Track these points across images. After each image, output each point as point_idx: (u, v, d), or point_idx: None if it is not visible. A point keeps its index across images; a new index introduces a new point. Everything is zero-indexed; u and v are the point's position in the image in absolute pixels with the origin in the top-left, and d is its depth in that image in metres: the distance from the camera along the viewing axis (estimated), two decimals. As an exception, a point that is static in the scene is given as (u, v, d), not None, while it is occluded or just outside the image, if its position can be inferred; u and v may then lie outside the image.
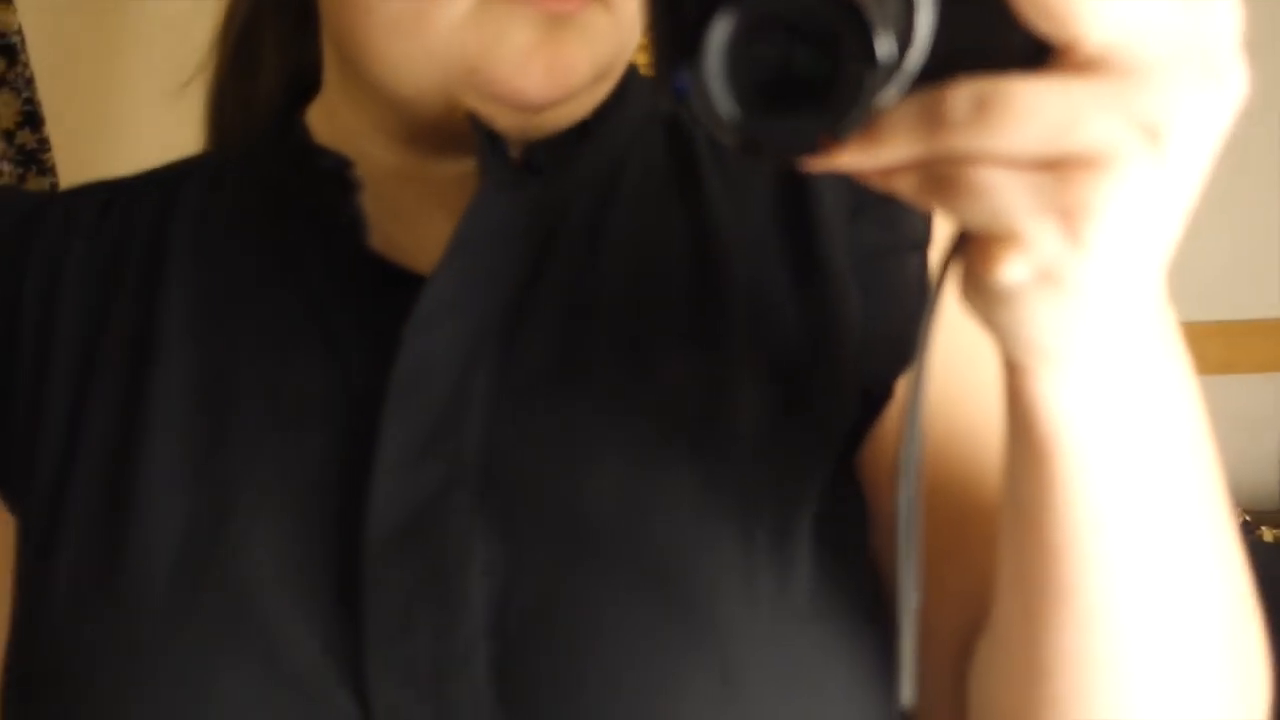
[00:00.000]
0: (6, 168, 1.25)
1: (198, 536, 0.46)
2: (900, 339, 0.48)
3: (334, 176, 0.52)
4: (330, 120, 0.56)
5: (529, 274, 0.50)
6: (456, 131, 0.50)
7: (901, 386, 0.48)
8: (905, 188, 0.32)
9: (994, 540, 0.43)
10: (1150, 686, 0.41)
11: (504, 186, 0.49)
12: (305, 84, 0.59)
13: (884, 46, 0.30)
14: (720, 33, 0.31)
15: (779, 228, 0.51)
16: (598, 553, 0.44)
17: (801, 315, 0.49)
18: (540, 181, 0.51)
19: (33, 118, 1.27)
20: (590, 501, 0.45)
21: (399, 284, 0.50)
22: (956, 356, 0.46)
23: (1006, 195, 0.31)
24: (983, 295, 0.33)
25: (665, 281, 0.50)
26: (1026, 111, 0.30)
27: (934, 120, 0.31)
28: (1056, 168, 0.30)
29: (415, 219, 0.53)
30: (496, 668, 0.43)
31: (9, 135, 1.28)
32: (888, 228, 0.50)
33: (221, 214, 0.55)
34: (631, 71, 0.54)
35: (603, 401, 0.47)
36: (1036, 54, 0.31)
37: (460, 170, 0.53)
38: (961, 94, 0.30)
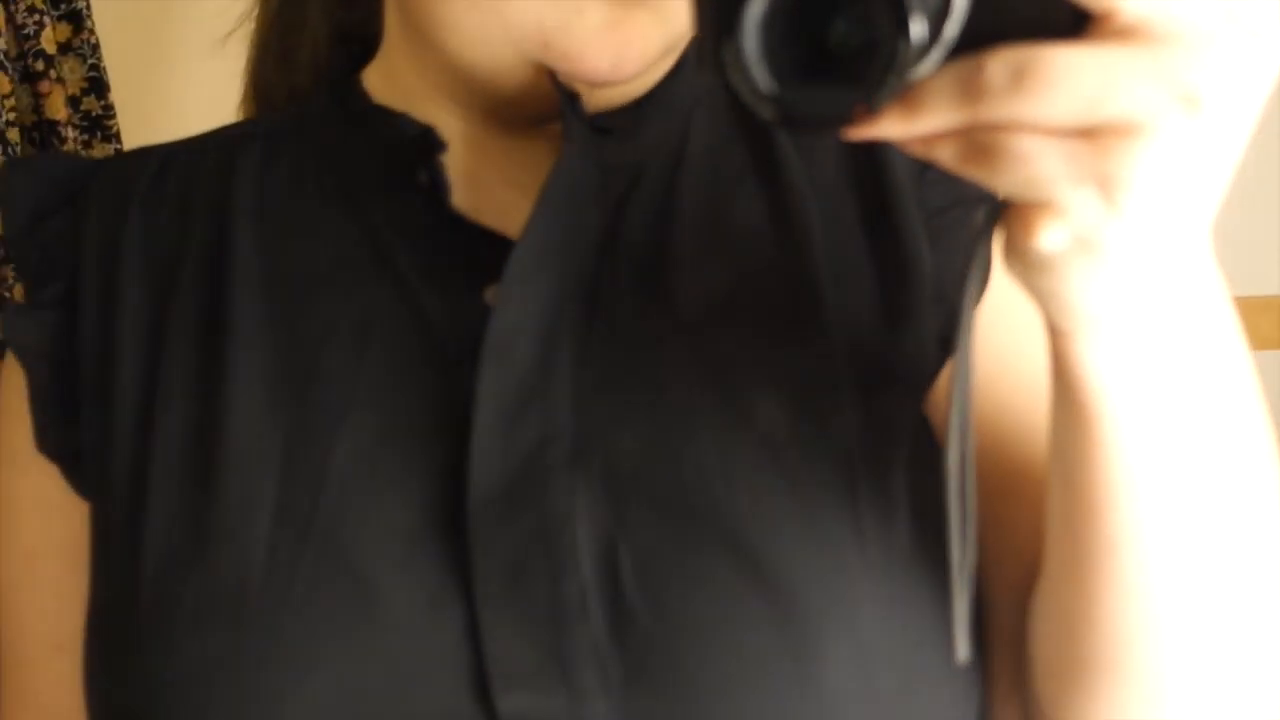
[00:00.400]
0: (71, 134, 1.27)
1: (294, 495, 0.46)
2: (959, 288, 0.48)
3: (414, 139, 0.52)
4: (390, 83, 0.56)
5: (604, 239, 0.50)
6: (524, 100, 0.51)
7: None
8: (945, 156, 0.33)
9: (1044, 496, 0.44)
10: (1188, 641, 0.41)
11: (582, 150, 0.50)
12: (349, 43, 0.59)
13: (917, 19, 0.31)
14: (757, 8, 0.32)
15: (852, 188, 0.51)
16: (695, 507, 0.45)
17: (878, 270, 0.50)
18: (612, 146, 0.52)
19: (98, 84, 1.30)
20: (684, 458, 0.46)
21: (473, 244, 0.50)
22: (1007, 317, 0.46)
23: (1044, 163, 0.31)
24: (1023, 261, 0.34)
25: (742, 244, 0.51)
26: (1064, 80, 0.30)
27: (972, 89, 0.31)
28: (1094, 135, 0.31)
29: (478, 182, 0.54)
30: (610, 617, 0.43)
31: (75, 101, 1.30)
32: (952, 183, 0.50)
33: (285, 178, 0.55)
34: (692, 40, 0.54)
35: (687, 363, 0.48)
36: (1074, 23, 0.31)
37: (525, 137, 0.53)
38: (999, 62, 0.31)
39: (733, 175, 0.52)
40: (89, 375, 0.52)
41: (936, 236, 0.50)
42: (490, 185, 0.53)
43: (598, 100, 0.51)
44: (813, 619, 0.43)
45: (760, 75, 0.32)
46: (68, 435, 0.53)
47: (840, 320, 0.48)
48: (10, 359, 0.56)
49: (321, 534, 0.45)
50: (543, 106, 0.51)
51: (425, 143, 0.51)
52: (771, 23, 0.32)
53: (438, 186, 0.51)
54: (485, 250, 0.49)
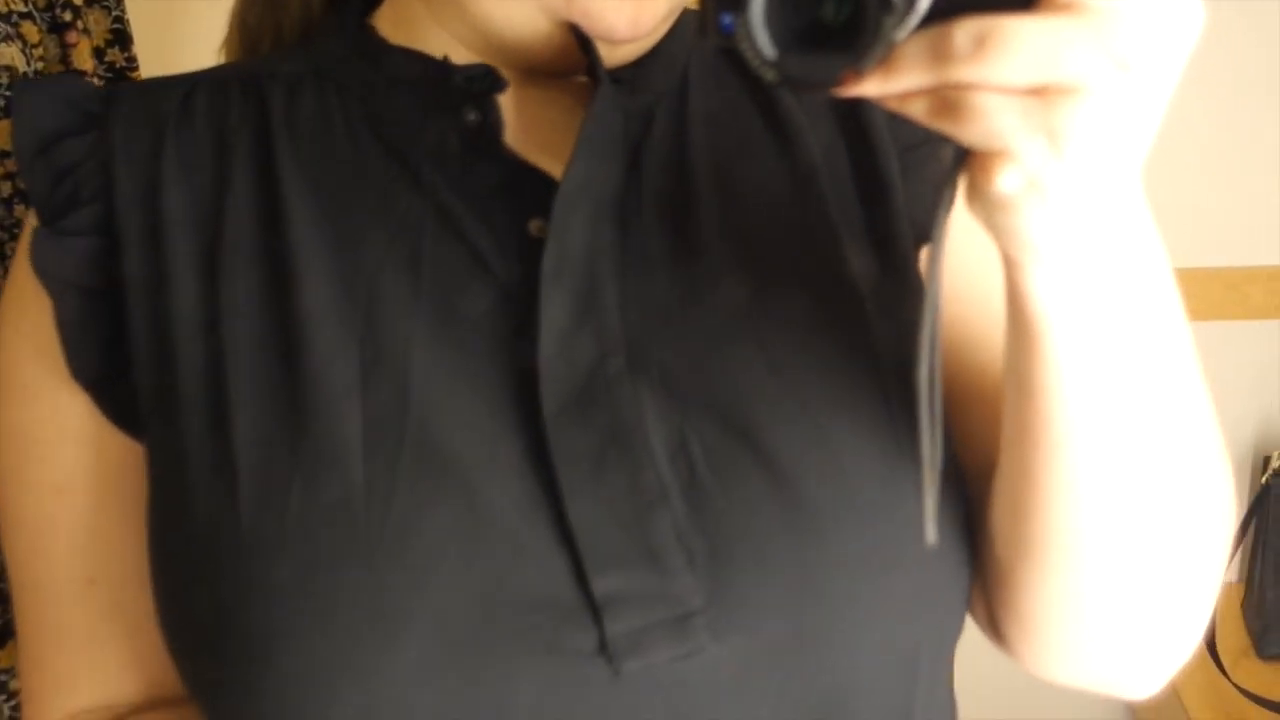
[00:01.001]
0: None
1: (380, 410, 0.48)
2: (928, 219, 0.54)
3: (473, 77, 0.53)
4: (405, 29, 0.57)
5: (628, 177, 0.54)
6: (542, 54, 0.54)
7: (921, 261, 0.55)
8: (917, 110, 0.38)
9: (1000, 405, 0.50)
10: (1114, 528, 0.48)
11: (610, 96, 0.53)
12: None
13: None
14: None
15: (839, 127, 0.57)
16: (751, 402, 0.50)
17: (861, 198, 0.55)
18: (625, 94, 0.56)
19: (122, 36, 1.33)
20: (729, 362, 0.50)
21: (514, 180, 0.53)
22: (968, 247, 0.52)
23: (1001, 117, 0.36)
24: (983, 202, 0.39)
25: (754, 178, 0.55)
26: (1018, 46, 0.35)
27: (940, 54, 0.36)
28: (1043, 94, 0.36)
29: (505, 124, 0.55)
30: (688, 501, 0.48)
31: (99, 53, 1.33)
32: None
33: (314, 114, 0.56)
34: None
35: (715, 282, 0.52)
36: None
37: (537, 87, 0.57)
38: (964, 31, 0.36)
39: (738, 120, 0.57)
40: (139, 301, 0.52)
41: (908, 169, 0.56)
42: (514, 128, 0.56)
43: (608, 57, 0.55)
44: (853, 501, 0.49)
45: (764, 44, 0.38)
46: (101, 362, 0.53)
47: (849, 233, 0.54)
48: (13, 291, 0.56)
49: (414, 444, 0.48)
50: (558, 60, 0.54)
51: (484, 81, 0.53)
52: (774, 1, 0.38)
53: (489, 124, 0.53)
54: (525, 186, 0.52)
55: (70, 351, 0.54)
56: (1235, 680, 1.56)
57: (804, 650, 0.48)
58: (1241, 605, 1.71)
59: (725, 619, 0.47)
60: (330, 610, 0.46)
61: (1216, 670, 1.58)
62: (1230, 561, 1.64)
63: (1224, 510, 0.50)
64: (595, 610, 0.47)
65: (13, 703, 0.65)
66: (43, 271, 0.54)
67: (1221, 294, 1.67)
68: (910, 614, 0.50)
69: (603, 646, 0.47)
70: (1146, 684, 0.55)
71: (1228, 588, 1.68)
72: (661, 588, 0.47)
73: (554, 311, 0.50)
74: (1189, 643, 0.53)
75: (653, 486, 0.48)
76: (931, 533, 0.46)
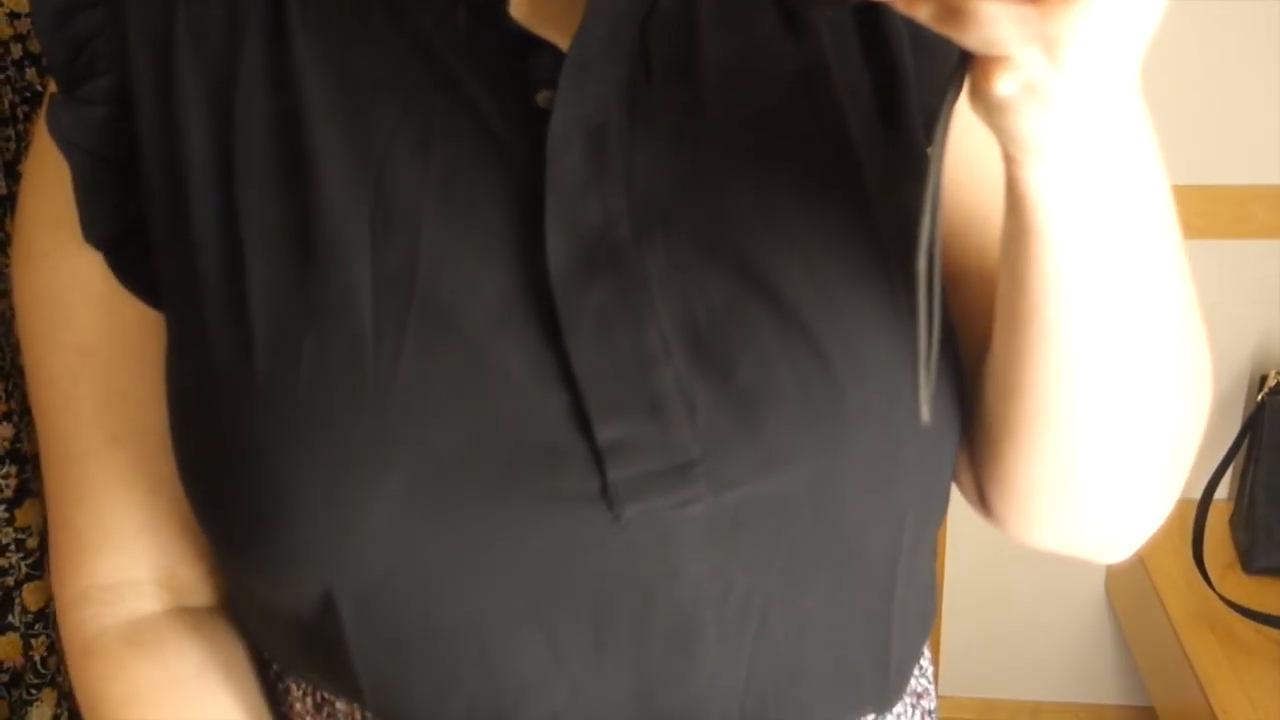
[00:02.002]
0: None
1: (390, 270, 0.50)
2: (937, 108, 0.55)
3: None
4: None
5: (635, 51, 0.54)
6: None
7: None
8: (924, 14, 0.39)
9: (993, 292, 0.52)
10: (1105, 409, 0.50)
11: None
12: None
13: None
14: None
15: (855, 20, 0.57)
16: (757, 270, 0.51)
17: (874, 77, 0.56)
18: None
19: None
20: (734, 228, 0.51)
21: (521, 51, 0.53)
22: (970, 139, 0.53)
23: (999, 25, 0.37)
24: (983, 103, 0.41)
25: (761, 57, 0.56)
26: None
27: None
28: (1040, 3, 0.37)
29: None
30: (690, 357, 0.50)
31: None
32: None
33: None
34: None
35: (727, 152, 0.53)
36: None
37: None
38: None
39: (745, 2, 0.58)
40: (153, 161, 0.53)
41: (919, 46, 0.56)
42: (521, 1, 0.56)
43: None
44: (841, 361, 0.50)
45: None
46: (114, 226, 0.55)
47: (856, 120, 0.55)
48: (36, 159, 0.57)
49: (422, 300, 0.49)
50: None
51: None
52: None
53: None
54: (533, 57, 0.53)
55: (84, 214, 0.55)
56: (1221, 592, 1.60)
57: (800, 506, 0.50)
58: (1230, 521, 1.74)
59: (724, 470, 0.49)
60: (342, 456, 0.48)
61: (1203, 583, 1.62)
62: (1221, 480, 1.67)
63: (1202, 392, 0.53)
64: (598, 457, 0.48)
65: (30, 560, 0.68)
66: (59, 137, 0.55)
67: (1227, 212, 1.67)
68: (900, 480, 0.52)
69: (604, 492, 0.49)
70: (1120, 550, 0.58)
71: (1217, 505, 1.71)
72: (663, 437, 0.49)
73: (560, 179, 0.51)
74: (1162, 514, 0.56)
75: (657, 343, 0.50)
76: (926, 413, 0.48)
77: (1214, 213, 1.67)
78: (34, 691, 0.70)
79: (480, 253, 0.51)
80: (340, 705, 0.57)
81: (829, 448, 0.50)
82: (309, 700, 0.59)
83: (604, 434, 0.49)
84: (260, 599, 0.56)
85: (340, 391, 0.49)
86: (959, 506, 1.96)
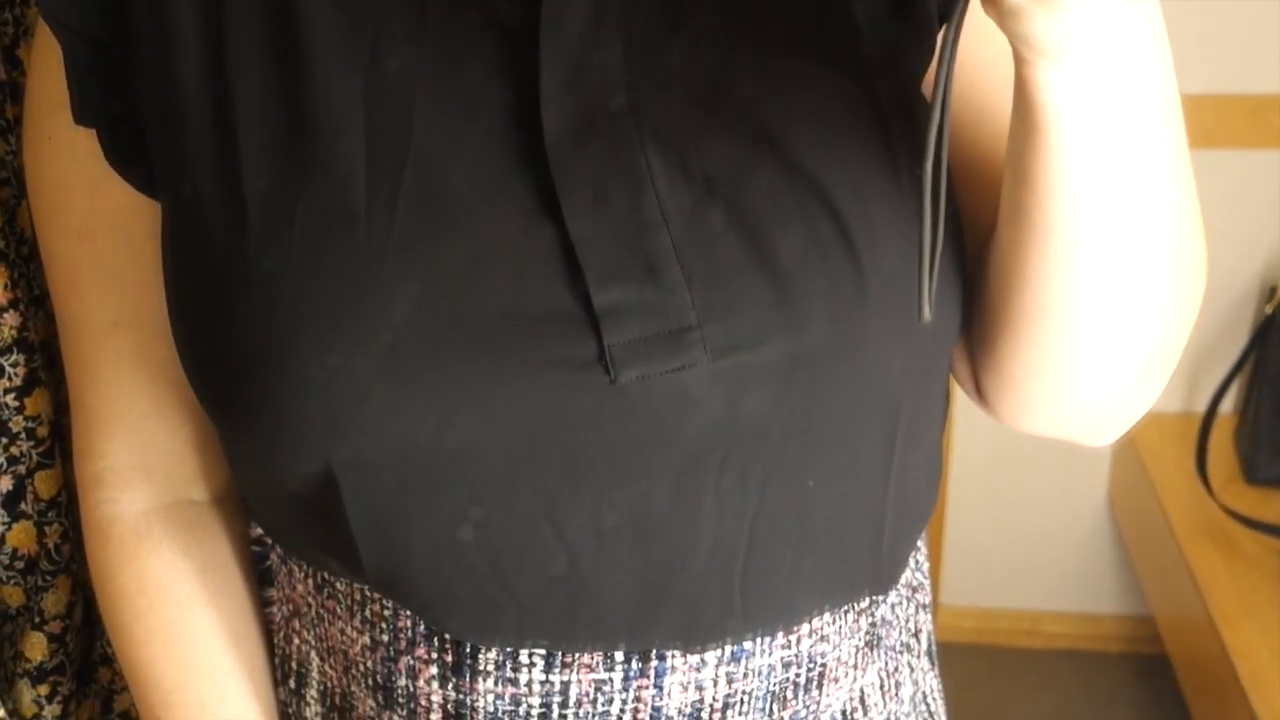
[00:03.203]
0: None
1: (385, 140, 0.49)
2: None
3: None
4: None
5: None
6: None
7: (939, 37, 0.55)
8: None
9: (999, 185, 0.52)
10: (1103, 305, 0.51)
11: None
12: None
13: None
14: None
15: None
16: (756, 141, 0.50)
17: None
18: None
19: None
20: (739, 106, 0.51)
21: None
22: (983, 34, 0.52)
23: None
24: (996, 8, 0.41)
25: None
26: None
27: None
28: None
29: None
30: (687, 221, 0.49)
31: None
32: None
33: None
34: None
35: (730, 22, 0.52)
36: None
37: None
38: None
39: None
40: (145, 47, 0.53)
41: None
42: None
43: None
44: (852, 224, 0.50)
45: None
46: (106, 108, 0.54)
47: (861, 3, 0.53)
48: (39, 45, 0.57)
49: (415, 168, 0.49)
50: None
51: None
52: None
53: None
54: None
55: (75, 96, 0.54)
56: (1223, 503, 1.61)
57: (796, 374, 0.50)
58: (1235, 434, 1.74)
59: (721, 336, 0.49)
60: (334, 324, 0.48)
61: (1205, 494, 1.63)
62: (1226, 393, 1.67)
63: (1195, 285, 0.53)
64: (594, 322, 0.48)
65: (41, 448, 0.68)
66: (50, 18, 0.55)
67: (1244, 121, 1.65)
68: (901, 355, 0.51)
69: (600, 356, 0.49)
70: (1110, 434, 0.59)
71: (1222, 419, 1.71)
72: (660, 301, 0.49)
73: (555, 52, 0.50)
74: (1152, 398, 0.57)
75: (653, 210, 0.49)
76: (928, 313, 0.48)
77: (1229, 122, 1.65)
78: (48, 578, 0.71)
79: (474, 124, 0.50)
80: (340, 585, 0.58)
81: (837, 318, 0.50)
82: (310, 582, 0.60)
83: (601, 298, 0.49)
84: (262, 477, 0.57)
85: (332, 258, 0.49)
86: (962, 421, 1.97)
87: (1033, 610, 2.03)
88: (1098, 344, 0.52)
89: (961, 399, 1.92)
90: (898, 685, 0.64)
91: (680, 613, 0.53)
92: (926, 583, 0.71)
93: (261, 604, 0.67)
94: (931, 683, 0.72)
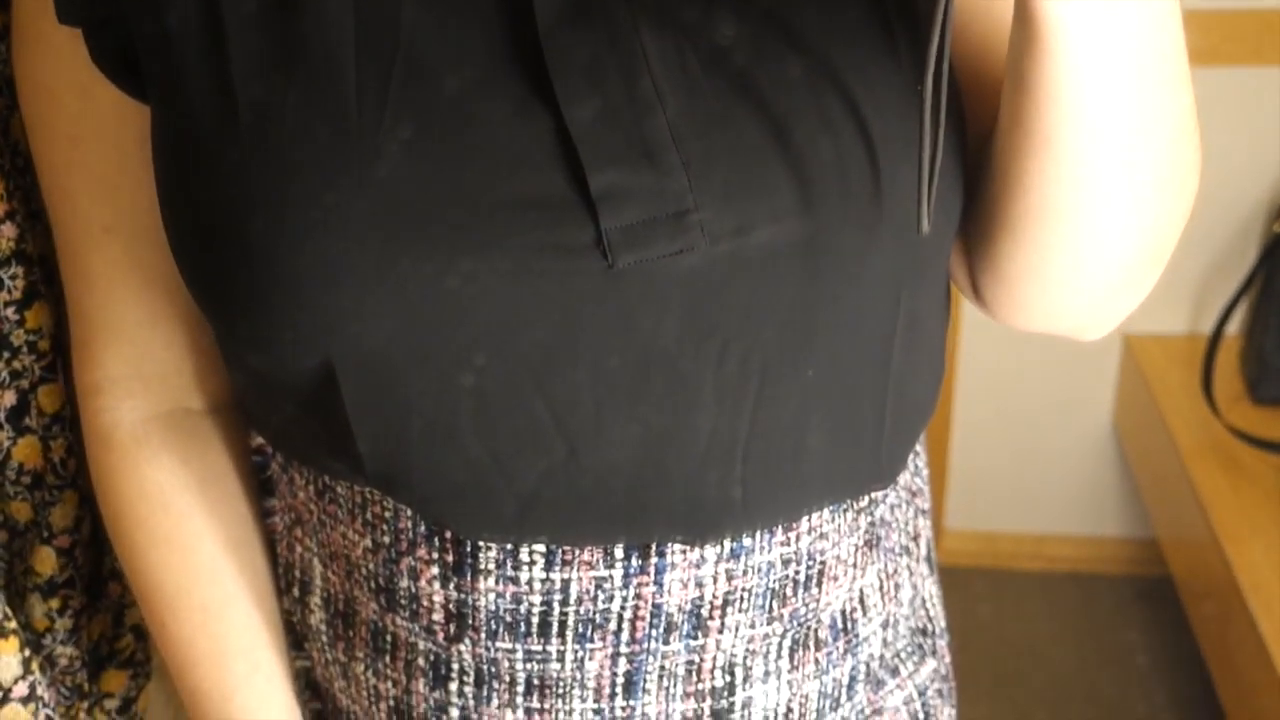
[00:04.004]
0: None
1: (374, 36, 0.49)
2: None
3: None
4: None
5: None
6: None
7: None
8: None
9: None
10: (1100, 209, 0.51)
11: None
12: None
13: None
14: None
15: None
16: (755, 28, 0.49)
17: None
18: None
19: None
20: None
21: None
22: None
23: None
24: None
25: None
26: None
27: None
28: None
29: None
30: (683, 105, 0.49)
31: None
32: None
33: None
34: None
35: None
36: None
37: None
38: None
39: None
40: None
41: None
42: None
43: None
44: (862, 104, 0.49)
45: None
46: (91, 7, 0.53)
47: None
48: None
49: (405, 62, 0.49)
50: None
51: None
52: None
53: None
54: None
55: None
56: (1228, 422, 1.61)
57: (795, 259, 0.50)
58: (1240, 355, 1.74)
59: (719, 219, 0.49)
60: (327, 216, 0.48)
61: (1210, 414, 1.63)
62: (1233, 314, 1.66)
63: (1189, 185, 0.53)
64: (591, 206, 0.48)
65: (43, 362, 0.68)
66: None
67: (1251, 38, 1.62)
68: (897, 244, 0.51)
69: (598, 241, 0.48)
70: (1100, 330, 0.59)
71: (1228, 340, 1.71)
72: (658, 184, 0.49)
73: None
74: (1142, 296, 0.57)
75: (649, 92, 0.49)
76: (926, 225, 0.49)
77: (1238, 38, 1.62)
78: (55, 493, 0.72)
79: (464, 18, 0.50)
80: (340, 489, 0.58)
81: (845, 201, 0.49)
82: (310, 488, 0.61)
83: (597, 182, 0.48)
84: (261, 378, 0.57)
85: (323, 150, 0.48)
86: (967, 346, 1.96)
87: (1036, 533, 2.05)
88: (1092, 246, 0.52)
89: (965, 326, 1.93)
90: (897, 587, 0.65)
91: (680, 504, 0.53)
92: (926, 489, 0.71)
93: (263, 514, 0.67)
94: (931, 588, 0.73)
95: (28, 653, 0.70)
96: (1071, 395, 1.93)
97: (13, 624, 0.69)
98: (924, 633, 0.71)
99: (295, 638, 0.68)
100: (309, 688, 0.70)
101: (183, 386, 0.63)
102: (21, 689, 0.70)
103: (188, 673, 0.64)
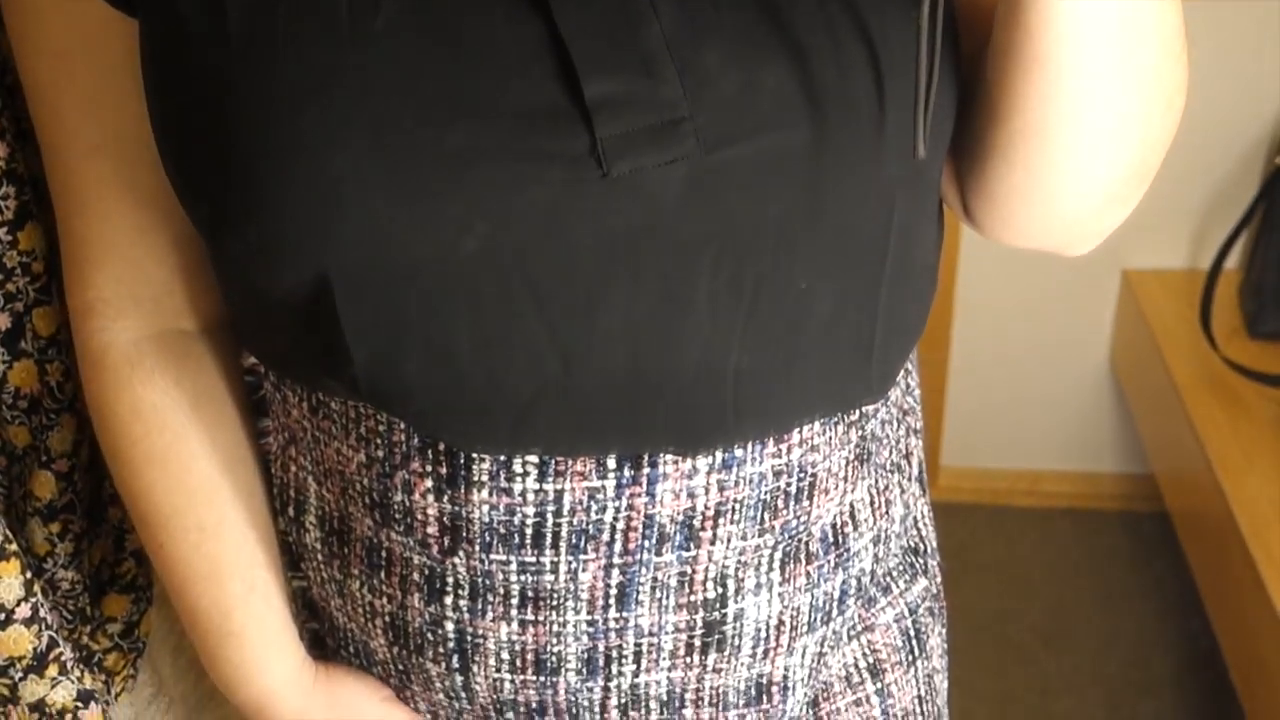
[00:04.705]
0: None
1: None
2: None
3: None
4: None
5: None
6: None
7: None
8: None
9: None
10: (1088, 133, 0.52)
11: None
12: None
13: None
14: None
15: None
16: None
17: None
18: None
19: None
20: None
21: None
22: None
23: None
24: None
25: None
26: None
27: None
28: None
29: None
30: (677, 16, 0.48)
31: None
32: None
33: None
34: None
35: None
36: None
37: None
38: None
39: None
40: None
41: None
42: None
43: None
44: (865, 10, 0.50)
45: None
46: None
47: None
48: None
49: None
50: None
51: None
52: None
53: None
54: None
55: None
56: (1225, 355, 1.61)
57: (790, 170, 0.50)
58: (1239, 289, 1.74)
59: (714, 129, 0.49)
60: (319, 124, 0.48)
61: (1208, 348, 1.63)
62: (1232, 248, 1.66)
63: (1176, 104, 0.54)
64: (586, 115, 0.48)
65: (37, 284, 0.68)
66: None
67: (1257, -32, 1.61)
68: (893, 155, 0.51)
69: (593, 149, 0.48)
70: (1088, 244, 0.60)
71: (1227, 274, 1.71)
72: (651, 93, 0.48)
73: None
74: (1127, 212, 0.58)
75: (641, 5, 0.48)
76: (922, 150, 0.49)
77: (1242, -32, 1.61)
78: (53, 417, 0.72)
79: None
80: (334, 405, 0.58)
81: (845, 110, 0.49)
82: (304, 405, 0.61)
83: (592, 90, 0.48)
84: (255, 295, 0.57)
85: (315, 59, 0.48)
86: (965, 282, 1.95)
87: (1032, 470, 2.06)
88: (1079, 166, 0.53)
89: (963, 262, 1.92)
90: (888, 503, 0.66)
91: (673, 415, 0.54)
92: (918, 409, 0.72)
93: (257, 435, 0.68)
94: (922, 508, 0.73)
95: (29, 575, 0.71)
96: (1069, 331, 1.93)
97: (13, 546, 0.70)
98: (915, 552, 0.72)
99: (292, 558, 0.69)
100: (306, 608, 0.71)
101: (175, 307, 0.63)
102: (24, 610, 0.71)
103: (185, 592, 0.65)
